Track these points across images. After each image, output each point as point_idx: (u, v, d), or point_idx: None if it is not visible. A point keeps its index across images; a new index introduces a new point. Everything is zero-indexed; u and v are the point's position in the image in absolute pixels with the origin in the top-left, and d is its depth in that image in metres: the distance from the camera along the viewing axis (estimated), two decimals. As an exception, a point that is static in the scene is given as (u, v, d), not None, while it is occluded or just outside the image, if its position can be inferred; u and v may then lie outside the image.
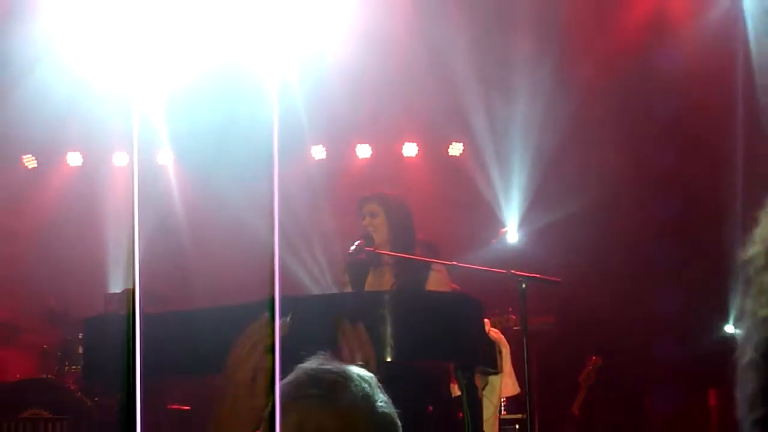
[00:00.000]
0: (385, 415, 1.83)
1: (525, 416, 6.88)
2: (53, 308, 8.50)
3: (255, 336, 2.45)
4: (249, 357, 2.40)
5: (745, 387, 1.06)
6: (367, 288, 5.98)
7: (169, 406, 8.38)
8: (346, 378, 1.83)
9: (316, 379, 1.80)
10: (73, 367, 8.09)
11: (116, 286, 9.12)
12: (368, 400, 1.83)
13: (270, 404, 1.87)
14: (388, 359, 4.69)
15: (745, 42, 8.73)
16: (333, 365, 1.90)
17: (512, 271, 5.98)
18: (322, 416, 1.75)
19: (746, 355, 1.07)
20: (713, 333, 8.80)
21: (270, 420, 1.80)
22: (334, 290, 6.51)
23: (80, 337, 7.49)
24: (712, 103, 8.85)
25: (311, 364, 1.87)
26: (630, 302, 8.72)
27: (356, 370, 1.91)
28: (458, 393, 5.62)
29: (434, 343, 5.01)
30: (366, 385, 1.84)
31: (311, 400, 1.74)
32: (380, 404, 1.83)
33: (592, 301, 8.60)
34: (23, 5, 8.80)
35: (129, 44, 8.03)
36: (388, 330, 4.76)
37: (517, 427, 7.43)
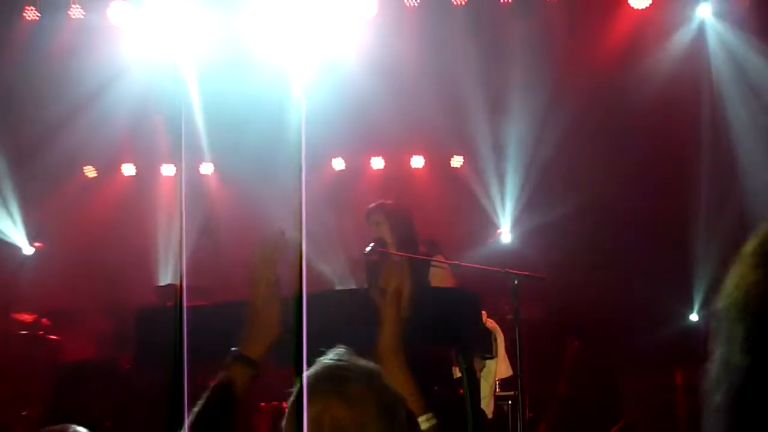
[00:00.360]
0: (392, 403, 1.92)
1: (517, 393, 7.14)
2: (110, 299, 8.92)
3: (266, 251, 2.67)
4: (263, 272, 2.62)
5: (713, 429, 1.06)
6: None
7: (208, 383, 8.91)
8: (357, 372, 1.92)
9: (329, 374, 1.88)
10: (127, 350, 8.16)
11: (164, 280, 9.43)
12: (376, 391, 1.91)
13: (295, 395, 1.93)
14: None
15: (709, 69, 9.04)
16: (346, 360, 1.97)
17: (506, 270, 6.35)
18: (336, 409, 1.83)
19: (715, 399, 1.06)
20: (680, 320, 9.13)
21: (297, 410, 1.89)
22: (354, 286, 6.57)
23: (133, 324, 8.14)
24: (681, 121, 9.17)
25: (328, 358, 1.96)
26: (607, 294, 8.85)
27: (365, 364, 1.98)
28: (459, 375, 5.89)
29: (437, 332, 5.06)
30: (375, 378, 1.94)
31: (326, 395, 1.81)
32: (387, 393, 1.93)
33: (574, 293, 8.74)
34: (90, 36, 8.99)
35: (175, 68, 8.59)
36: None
37: (510, 402, 7.52)
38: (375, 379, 1.98)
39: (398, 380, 2.45)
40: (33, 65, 9.28)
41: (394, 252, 6.11)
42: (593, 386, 8.82)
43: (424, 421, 2.49)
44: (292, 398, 1.98)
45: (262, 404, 8.39)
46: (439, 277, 6.36)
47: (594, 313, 8.89)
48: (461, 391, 5.71)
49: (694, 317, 9.13)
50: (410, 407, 2.21)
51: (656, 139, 9.16)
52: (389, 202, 6.66)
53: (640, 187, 9.23)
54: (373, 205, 6.45)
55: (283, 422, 2.03)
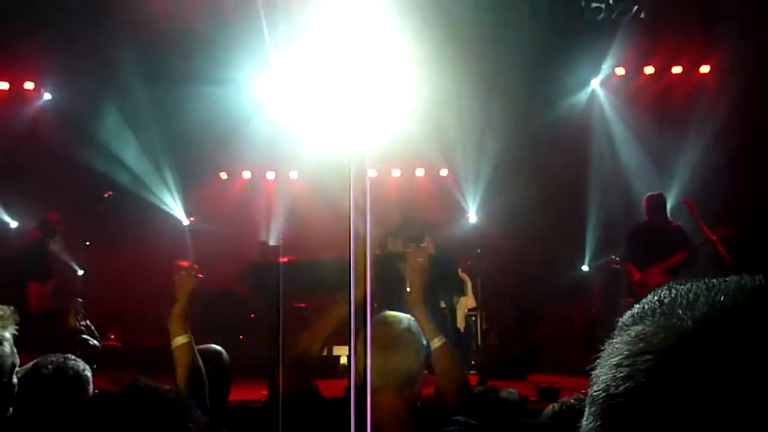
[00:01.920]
0: (417, 331, 2.30)
1: (476, 311, 8.46)
2: (234, 253, 9.24)
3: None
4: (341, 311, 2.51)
5: None
6: (389, 248, 7.07)
7: (294, 304, 8.78)
8: (397, 318, 2.29)
9: (383, 317, 2.26)
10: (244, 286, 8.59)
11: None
12: (407, 323, 2.29)
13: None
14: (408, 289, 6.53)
15: (601, 115, 10.09)
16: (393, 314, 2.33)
17: (473, 245, 8.02)
18: (381, 331, 2.16)
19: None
20: (576, 268, 9.90)
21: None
22: (377, 252, 6.81)
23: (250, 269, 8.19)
24: (581, 146, 9.90)
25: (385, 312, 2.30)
26: (534, 251, 9.39)
27: (403, 315, 2.31)
28: (444, 306, 7.62)
29: (432, 280, 6.54)
30: (406, 319, 2.31)
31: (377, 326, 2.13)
32: (414, 325, 2.32)
33: (513, 251, 9.44)
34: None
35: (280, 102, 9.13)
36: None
37: (473, 319, 8.55)
38: (408, 320, 2.30)
39: (421, 320, 2.48)
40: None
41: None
42: (523, 309, 9.47)
43: (437, 342, 2.54)
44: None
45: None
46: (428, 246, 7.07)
47: (525, 264, 9.53)
48: (445, 312, 7.41)
49: (585, 267, 9.85)
50: (429, 335, 2.47)
51: (565, 158, 9.62)
52: (400, 198, 7.60)
53: (558, 186, 9.70)
54: (391, 200, 7.54)
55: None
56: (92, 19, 8.81)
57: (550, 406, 2.21)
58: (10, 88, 10.09)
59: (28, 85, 10.15)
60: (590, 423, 0.57)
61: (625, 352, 0.57)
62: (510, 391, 3.44)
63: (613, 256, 9.07)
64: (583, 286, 9.69)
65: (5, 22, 8.74)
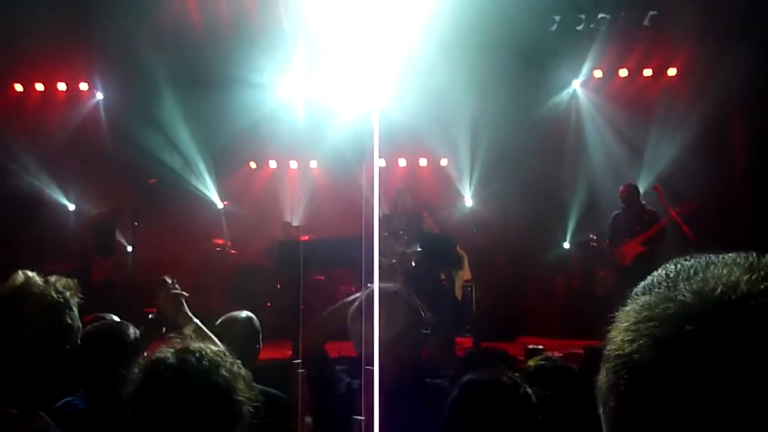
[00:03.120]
0: (417, 305, 2.23)
1: (472, 282, 8.51)
2: (262, 234, 9.46)
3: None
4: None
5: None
6: (395, 228, 6.89)
7: (314, 277, 8.88)
8: (400, 292, 2.23)
9: (385, 292, 2.08)
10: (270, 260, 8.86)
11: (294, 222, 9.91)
12: (410, 298, 2.22)
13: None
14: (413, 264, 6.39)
15: (577, 114, 10.05)
16: (394, 287, 2.24)
17: (469, 226, 8.10)
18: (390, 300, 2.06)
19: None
20: (559, 245, 9.83)
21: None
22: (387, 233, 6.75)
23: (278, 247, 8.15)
24: (561, 142, 9.90)
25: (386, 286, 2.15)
26: (521, 231, 9.44)
27: (404, 291, 2.24)
28: (444, 278, 7.66)
29: (434, 255, 6.71)
30: (405, 291, 2.26)
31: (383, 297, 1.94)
32: (415, 299, 2.24)
33: (503, 231, 9.46)
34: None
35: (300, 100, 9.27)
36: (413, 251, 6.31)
37: (469, 289, 8.54)
38: (410, 294, 2.26)
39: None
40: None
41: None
42: (513, 281, 9.46)
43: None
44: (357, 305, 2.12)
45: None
46: (430, 227, 7.43)
47: (514, 242, 9.53)
48: (445, 282, 7.49)
49: (566, 245, 9.82)
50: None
51: (549, 149, 9.78)
52: (407, 186, 7.65)
53: (544, 174, 9.70)
54: (401, 187, 7.61)
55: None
56: (138, 26, 8.80)
57: (530, 361, 2.23)
58: (67, 89, 10.14)
59: (83, 86, 10.18)
60: (604, 377, 0.59)
61: (633, 319, 0.58)
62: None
63: (591, 235, 9.14)
64: (564, 261, 9.72)
65: (62, 32, 8.76)
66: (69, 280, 1.81)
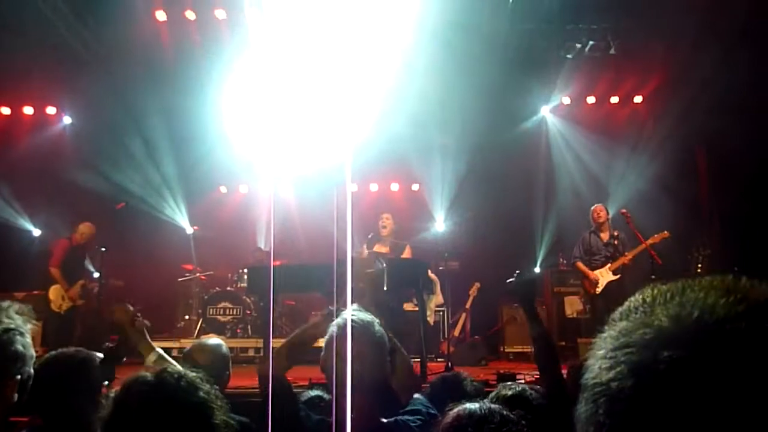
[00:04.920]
0: (382, 333, 2.12)
1: (444, 306, 8.49)
2: (231, 259, 9.43)
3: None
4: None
5: None
6: (376, 250, 7.09)
7: (285, 302, 9.17)
8: (366, 321, 2.10)
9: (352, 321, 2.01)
10: (243, 285, 9.01)
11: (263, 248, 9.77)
12: (373, 327, 2.10)
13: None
14: (385, 288, 6.04)
15: (546, 138, 10.27)
16: (359, 314, 2.10)
17: (441, 251, 7.83)
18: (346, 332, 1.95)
19: None
20: (530, 271, 8.94)
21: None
22: (365, 253, 6.90)
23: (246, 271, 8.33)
24: (531, 165, 10.09)
25: (350, 312, 2.04)
26: (493, 258, 9.10)
27: (369, 317, 2.12)
28: (416, 303, 7.21)
29: (406, 280, 6.45)
30: (371, 321, 2.11)
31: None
32: (378, 328, 2.11)
33: (475, 257, 9.31)
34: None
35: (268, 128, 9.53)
36: (385, 274, 6.11)
37: (441, 314, 8.59)
38: (372, 320, 2.14)
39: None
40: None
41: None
42: (484, 305, 9.20)
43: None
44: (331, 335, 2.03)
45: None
46: (406, 252, 7.43)
47: (486, 268, 9.08)
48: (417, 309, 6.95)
49: (537, 269, 9.82)
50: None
51: (518, 174, 9.86)
52: (388, 210, 7.55)
53: (513, 198, 9.78)
54: (383, 212, 7.53)
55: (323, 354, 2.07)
56: (108, 50, 8.76)
57: (497, 389, 2.23)
58: (34, 113, 10.01)
59: (50, 110, 10.09)
60: (583, 406, 0.58)
61: (610, 345, 0.57)
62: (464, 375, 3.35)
63: (561, 259, 9.18)
64: (534, 285, 9.69)
65: (29, 54, 8.63)
66: (24, 305, 1.76)
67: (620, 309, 0.61)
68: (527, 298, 2.80)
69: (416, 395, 2.35)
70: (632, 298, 0.60)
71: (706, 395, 0.49)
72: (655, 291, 0.59)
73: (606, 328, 0.60)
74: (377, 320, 2.16)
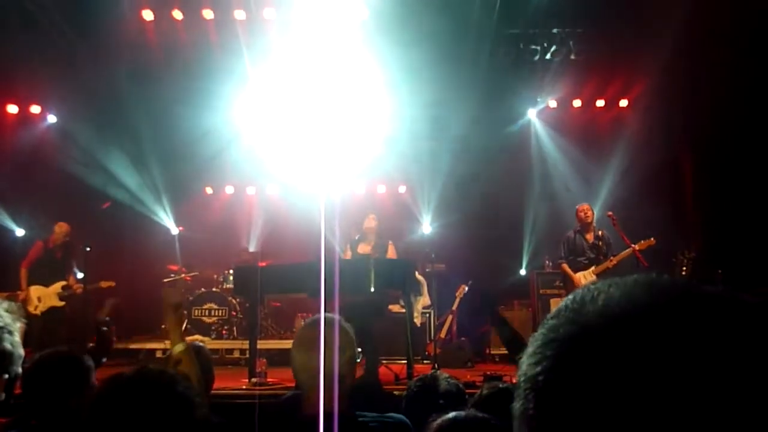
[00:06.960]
0: (347, 330, 2.12)
1: (431, 308, 8.45)
2: (218, 259, 9.39)
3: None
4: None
5: None
6: (360, 251, 6.93)
7: (271, 303, 9.13)
8: (333, 318, 2.08)
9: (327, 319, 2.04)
10: (229, 286, 8.93)
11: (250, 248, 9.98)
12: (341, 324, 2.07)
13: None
14: (372, 289, 5.90)
15: (536, 139, 10.28)
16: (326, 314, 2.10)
17: (427, 252, 7.98)
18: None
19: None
20: (516, 273, 9.98)
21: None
22: (349, 254, 6.89)
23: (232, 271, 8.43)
24: (519, 166, 10.09)
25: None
26: (480, 260, 9.37)
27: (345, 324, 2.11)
28: (402, 304, 7.52)
29: (392, 281, 6.33)
30: (338, 318, 2.10)
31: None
32: (345, 324, 2.11)
33: (462, 258, 9.27)
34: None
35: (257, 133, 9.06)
36: (372, 274, 5.97)
37: (427, 316, 8.56)
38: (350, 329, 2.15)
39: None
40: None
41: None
42: (470, 307, 9.09)
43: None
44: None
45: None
46: (390, 252, 7.20)
47: (474, 269, 9.27)
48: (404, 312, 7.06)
49: (522, 272, 10.01)
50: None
51: (504, 177, 9.83)
52: (375, 211, 7.46)
53: (499, 201, 9.89)
54: (369, 211, 7.42)
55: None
56: (94, 48, 8.71)
57: (481, 390, 2.21)
58: (18, 111, 9.91)
59: (35, 109, 9.98)
60: (516, 403, 0.59)
61: (538, 342, 0.58)
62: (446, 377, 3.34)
63: (547, 261, 9.21)
64: (520, 287, 9.72)
65: (13, 52, 8.58)
66: (12, 303, 1.75)
67: (555, 308, 0.62)
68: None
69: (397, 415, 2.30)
70: (566, 298, 0.61)
71: (630, 386, 0.50)
72: (585, 290, 0.60)
73: (539, 326, 0.61)
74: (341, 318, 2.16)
